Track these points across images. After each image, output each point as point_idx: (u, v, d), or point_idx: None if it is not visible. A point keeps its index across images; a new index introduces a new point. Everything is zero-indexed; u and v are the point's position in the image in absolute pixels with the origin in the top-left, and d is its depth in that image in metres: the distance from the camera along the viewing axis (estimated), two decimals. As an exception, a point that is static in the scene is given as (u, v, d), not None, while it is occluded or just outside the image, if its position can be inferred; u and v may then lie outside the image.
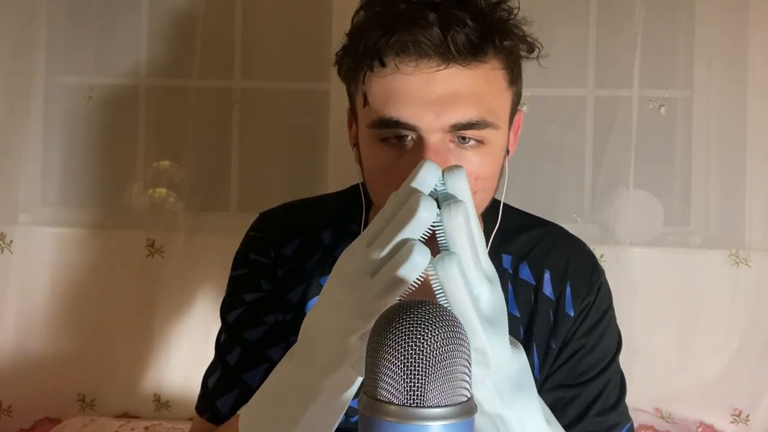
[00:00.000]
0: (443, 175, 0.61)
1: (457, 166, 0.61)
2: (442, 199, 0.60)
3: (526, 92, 1.54)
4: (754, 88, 1.50)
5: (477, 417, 0.63)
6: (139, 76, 1.58)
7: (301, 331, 0.68)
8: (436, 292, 0.57)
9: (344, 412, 0.70)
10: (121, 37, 1.58)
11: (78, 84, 1.58)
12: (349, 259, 0.62)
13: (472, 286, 0.58)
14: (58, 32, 1.59)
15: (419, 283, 0.57)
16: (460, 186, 0.60)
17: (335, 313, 0.63)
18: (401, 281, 0.56)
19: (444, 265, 0.56)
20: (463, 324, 0.56)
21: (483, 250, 0.62)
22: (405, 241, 0.57)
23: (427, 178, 0.60)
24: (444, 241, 0.58)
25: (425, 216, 0.57)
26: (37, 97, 1.55)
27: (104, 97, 1.58)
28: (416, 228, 0.57)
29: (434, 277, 0.57)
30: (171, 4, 1.57)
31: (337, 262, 0.64)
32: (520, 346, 0.66)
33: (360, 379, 0.67)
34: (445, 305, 0.56)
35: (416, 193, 0.58)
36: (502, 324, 0.62)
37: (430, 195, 0.59)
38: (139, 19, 1.58)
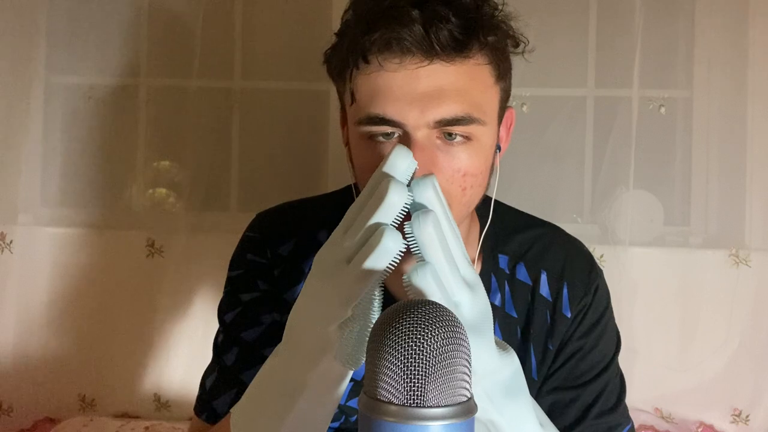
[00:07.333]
0: (410, 185, 0.61)
1: (425, 176, 0.61)
2: (413, 210, 0.60)
3: (526, 92, 1.56)
4: (754, 88, 1.50)
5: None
6: (139, 76, 1.58)
7: (286, 325, 0.68)
8: None
9: (335, 410, 0.70)
10: (121, 37, 1.58)
11: (78, 84, 1.58)
12: (328, 249, 0.63)
13: (450, 294, 0.59)
14: (58, 32, 1.58)
15: (394, 266, 0.57)
16: (427, 195, 0.60)
17: (315, 303, 0.63)
18: (374, 267, 0.57)
19: (417, 276, 0.56)
20: None
21: (462, 257, 0.62)
22: (376, 226, 0.57)
23: (396, 162, 0.60)
24: (418, 252, 0.58)
25: (395, 200, 0.57)
26: (37, 97, 1.55)
27: (104, 97, 1.58)
28: (387, 212, 0.57)
29: (408, 288, 0.57)
30: (171, 4, 1.57)
31: (317, 253, 0.64)
32: (512, 351, 0.66)
33: (350, 374, 0.67)
34: None
35: (386, 178, 0.58)
36: (485, 329, 0.62)
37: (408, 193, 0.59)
38: (139, 19, 1.58)
